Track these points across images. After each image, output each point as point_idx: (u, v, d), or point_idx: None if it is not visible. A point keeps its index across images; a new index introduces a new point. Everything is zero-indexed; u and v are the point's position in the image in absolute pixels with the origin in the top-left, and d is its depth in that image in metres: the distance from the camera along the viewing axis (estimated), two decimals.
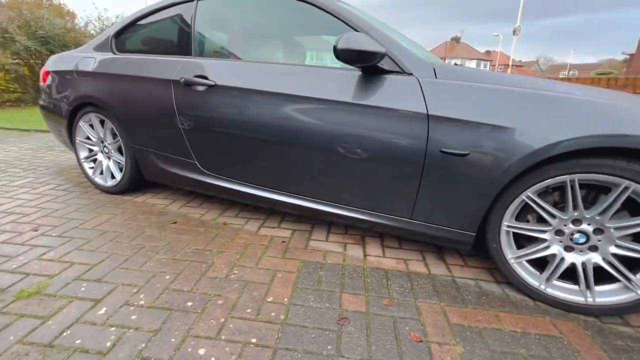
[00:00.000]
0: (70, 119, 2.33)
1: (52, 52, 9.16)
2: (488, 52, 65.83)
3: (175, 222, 1.93)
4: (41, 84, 2.54)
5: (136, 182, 2.28)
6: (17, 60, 9.03)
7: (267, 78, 1.62)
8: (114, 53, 2.15)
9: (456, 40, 58.01)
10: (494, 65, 63.01)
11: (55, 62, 2.43)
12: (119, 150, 2.27)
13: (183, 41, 1.91)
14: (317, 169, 1.58)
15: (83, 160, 2.42)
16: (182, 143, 1.91)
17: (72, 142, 2.45)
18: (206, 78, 1.73)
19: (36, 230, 1.76)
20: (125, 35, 2.17)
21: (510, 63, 33.04)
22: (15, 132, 4.85)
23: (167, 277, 1.39)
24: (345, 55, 1.31)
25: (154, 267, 1.46)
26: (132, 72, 1.99)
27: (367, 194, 1.52)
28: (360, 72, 1.44)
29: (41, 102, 2.58)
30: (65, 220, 1.91)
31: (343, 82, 1.46)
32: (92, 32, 10.84)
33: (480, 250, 1.57)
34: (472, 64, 56.94)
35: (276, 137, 1.60)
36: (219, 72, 1.72)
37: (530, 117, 1.19)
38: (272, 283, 1.38)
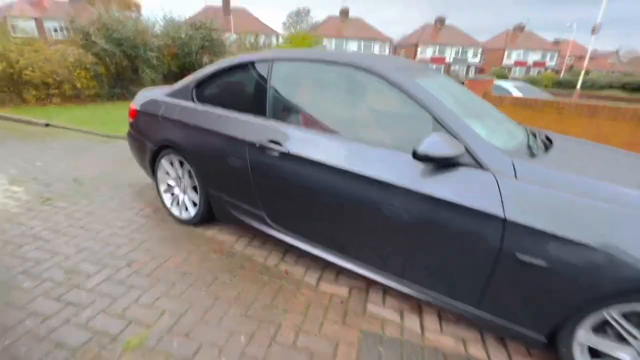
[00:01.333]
0: (153, 156, 2.61)
1: (124, 52, 10.05)
2: (557, 42, 59.22)
3: (242, 267, 2.12)
4: (130, 119, 2.86)
5: (207, 217, 2.52)
6: (96, 60, 10.05)
7: (336, 152, 1.70)
8: (194, 102, 2.36)
9: (519, 28, 52.92)
10: (564, 57, 56.75)
11: (143, 103, 2.72)
12: (194, 189, 2.51)
13: (259, 100, 2.05)
14: (382, 244, 1.65)
15: (162, 192, 2.71)
16: (252, 196, 2.07)
17: (153, 174, 2.75)
18: (279, 144, 1.84)
19: (130, 267, 2.05)
20: (205, 86, 2.36)
21: (588, 56, 28.85)
22: (97, 138, 5.49)
23: (242, 339, 1.56)
24: (424, 159, 1.34)
25: (230, 322, 1.65)
26: (210, 125, 2.17)
27: (433, 275, 1.56)
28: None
29: (129, 133, 2.91)
30: (152, 256, 2.18)
31: (414, 169, 1.48)
32: (158, 31, 11.67)
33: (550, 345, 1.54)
34: (537, 56, 51.84)
35: (341, 209, 1.69)
36: (291, 140, 1.83)
37: (623, 240, 1.13)
38: (336, 357, 1.49)
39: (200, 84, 2.37)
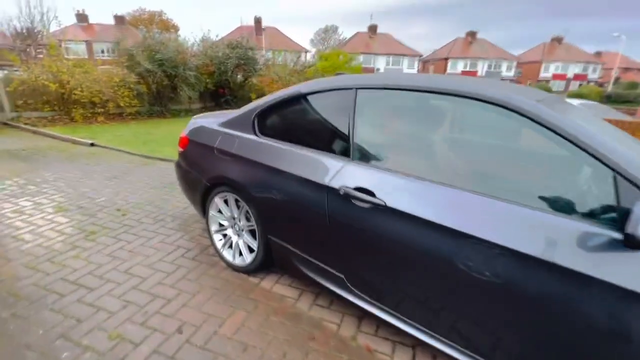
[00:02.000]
0: (205, 192, 2.33)
1: (165, 72, 10.31)
2: (598, 54, 55.98)
3: (313, 338, 1.73)
4: (179, 148, 2.62)
5: (264, 266, 2.17)
6: (139, 79, 10.39)
7: (454, 210, 1.28)
8: (256, 135, 2.05)
9: (558, 40, 50.63)
10: (606, 69, 53.47)
11: (196, 132, 2.47)
12: (252, 232, 2.18)
13: (339, 137, 1.69)
14: (506, 330, 1.19)
15: (213, 232, 2.41)
16: (330, 253, 1.68)
17: (203, 211, 2.46)
18: (372, 194, 1.46)
19: (181, 333, 1.72)
20: (270, 117, 2.05)
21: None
22: (138, 159, 5.43)
23: None
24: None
25: None
26: (277, 164, 1.84)
27: None
28: (608, 237, 1.01)
29: (178, 164, 2.67)
30: (204, 317, 1.84)
31: (590, 242, 1.04)
32: (196, 51, 11.97)
33: None
34: (577, 68, 49.15)
35: (458, 286, 1.26)
36: (388, 189, 1.44)
37: None
38: None
39: (264, 115, 2.07)
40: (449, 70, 45.92)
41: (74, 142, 6.46)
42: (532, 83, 48.74)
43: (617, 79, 52.78)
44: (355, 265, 1.61)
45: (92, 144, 6.20)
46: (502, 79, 46.96)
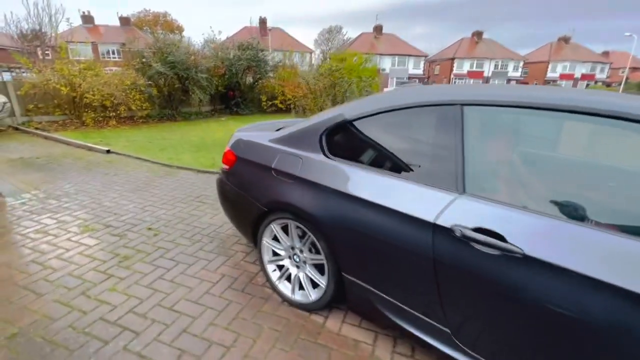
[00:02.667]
0: (259, 217, 2.06)
1: (177, 74, 10.06)
2: (606, 53, 55.35)
3: None
4: (224, 165, 2.35)
5: (330, 304, 1.90)
6: (149, 82, 10.16)
7: (622, 265, 1.01)
8: (325, 156, 1.78)
9: (565, 40, 50.08)
10: (614, 68, 52.91)
11: (245, 148, 2.20)
12: (317, 266, 1.91)
13: (442, 164, 1.41)
14: None
15: (266, 262, 2.14)
16: (432, 302, 1.41)
17: (253, 236, 2.19)
18: (500, 237, 1.19)
19: None
20: (345, 135, 1.78)
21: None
22: (159, 168, 5.18)
23: None
24: None
25: None
26: (360, 192, 1.56)
27: None
28: None
29: (221, 182, 2.40)
30: None
31: None
32: (207, 53, 11.73)
33: None
34: (585, 68, 48.60)
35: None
36: (524, 233, 1.16)
37: None
38: None
39: (335, 132, 1.79)
40: (455, 70, 45.53)
41: (90, 148, 6.22)
42: (538, 83, 48.24)
43: (626, 79, 52.24)
44: (469, 320, 1.34)
45: (108, 151, 5.96)
46: (509, 79, 46.54)
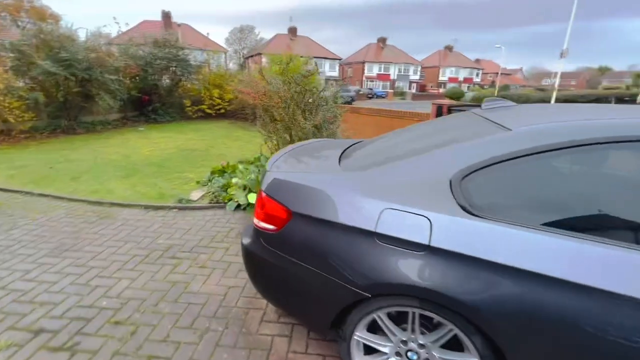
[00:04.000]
0: (353, 304, 1.39)
1: (75, 76, 7.91)
2: (478, 61, 67.09)
3: None
4: (263, 224, 1.58)
5: None
6: (32, 85, 7.75)
7: None
8: (467, 212, 1.22)
9: (449, 48, 58.71)
10: (486, 74, 64.36)
11: (308, 199, 1.47)
12: None
13: None
14: None
15: None
16: None
17: (333, 327, 1.50)
18: None
19: None
20: (503, 179, 1.25)
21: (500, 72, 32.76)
22: (82, 207, 3.73)
23: None
24: None
25: None
26: (564, 273, 1.07)
27: None
28: None
29: (260, 251, 1.62)
30: None
31: None
32: (116, 52, 9.54)
33: None
34: (465, 73, 57.81)
35: None
36: None
37: None
38: None
39: (475, 173, 1.25)
40: (366, 73, 48.84)
41: None
42: (433, 85, 55.53)
43: (492, 82, 64.15)
44: None
45: None
46: (410, 82, 52.18)
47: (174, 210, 3.66)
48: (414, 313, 1.32)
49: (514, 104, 1.78)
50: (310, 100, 4.71)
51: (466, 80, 58.20)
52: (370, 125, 8.46)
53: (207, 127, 10.52)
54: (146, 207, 3.69)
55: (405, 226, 1.27)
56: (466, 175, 1.25)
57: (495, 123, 1.41)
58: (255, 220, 1.65)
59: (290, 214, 1.49)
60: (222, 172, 4.63)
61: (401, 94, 42.18)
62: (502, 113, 1.60)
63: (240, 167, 4.49)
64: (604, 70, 78.18)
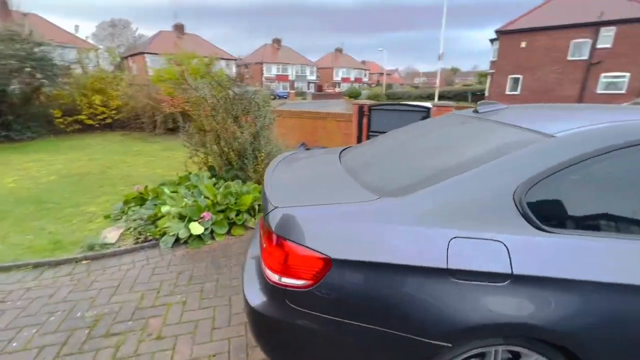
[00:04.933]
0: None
1: None
2: (364, 62, 74.26)
3: None
4: (273, 274, 1.19)
5: None
6: None
7: None
8: (539, 228, 1.11)
9: (339, 50, 63.11)
10: (372, 74, 71.63)
11: (343, 241, 1.14)
12: None
13: None
14: None
15: None
16: None
17: None
18: None
19: None
20: (558, 188, 1.15)
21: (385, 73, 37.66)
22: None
23: None
24: None
25: None
26: None
27: None
28: None
29: (285, 316, 1.22)
30: None
31: None
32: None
33: None
34: (355, 73, 63.15)
35: None
36: None
37: None
38: None
39: (536, 186, 1.15)
40: (265, 73, 48.31)
41: None
42: (329, 85, 58.88)
43: (377, 82, 72.07)
44: None
45: None
46: (308, 82, 54.07)
47: (85, 262, 2.71)
48: (495, 351, 1.17)
49: (504, 105, 1.82)
50: (242, 106, 4.20)
51: (357, 80, 63.71)
52: (294, 128, 8.24)
53: (95, 143, 8.53)
54: (38, 265, 2.63)
55: (481, 256, 1.10)
56: (529, 189, 1.15)
57: (525, 128, 1.36)
58: (270, 274, 1.24)
59: (328, 262, 1.14)
60: (140, 199, 3.71)
61: (302, 95, 43.30)
62: (511, 115, 1.59)
63: (167, 190, 3.68)
64: (455, 71, 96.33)
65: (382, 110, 6.56)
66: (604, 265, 1.08)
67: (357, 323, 1.16)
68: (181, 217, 3.19)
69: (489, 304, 1.08)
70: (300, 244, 1.17)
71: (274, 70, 49.50)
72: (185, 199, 3.41)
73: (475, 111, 1.79)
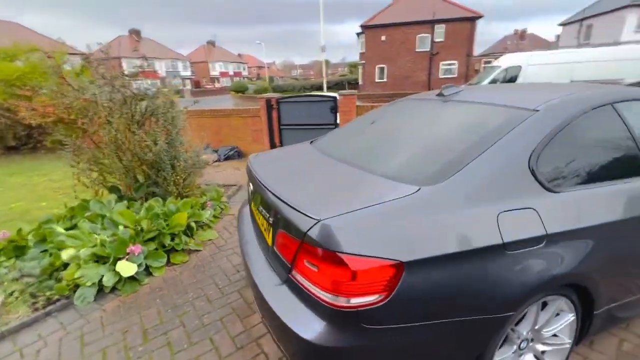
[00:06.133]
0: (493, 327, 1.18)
1: None
2: (240, 55, 71.94)
3: None
4: (335, 298, 1.02)
5: None
6: None
7: None
8: (552, 191, 1.26)
9: (212, 43, 59.19)
10: (251, 67, 70.19)
11: (408, 240, 1.05)
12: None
13: None
14: None
15: None
16: None
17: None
18: None
19: None
20: (557, 153, 1.31)
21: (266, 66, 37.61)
22: None
23: None
24: None
25: None
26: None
27: None
28: None
29: (340, 339, 1.05)
30: None
31: None
32: None
33: None
34: (234, 67, 60.65)
35: None
36: None
37: None
38: None
39: (542, 154, 1.28)
40: (125, 69, 41.12)
41: None
42: (206, 79, 54.86)
43: (258, 75, 71.35)
44: None
45: None
46: (183, 78, 49.05)
47: None
48: (537, 306, 1.30)
49: (463, 86, 2.01)
50: (146, 108, 3.45)
51: (236, 74, 61.39)
52: (197, 129, 7.31)
53: None
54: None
55: (523, 224, 1.19)
56: (537, 159, 1.29)
57: (511, 106, 1.51)
58: (332, 299, 1.05)
59: (400, 267, 1.04)
60: (15, 249, 2.64)
61: (177, 92, 38.97)
62: (477, 96, 1.76)
63: (59, 229, 2.73)
64: (326, 63, 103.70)
65: (291, 102, 6.51)
66: (602, 209, 1.33)
67: (435, 321, 1.10)
68: (98, 259, 2.43)
69: (537, 265, 1.18)
70: (366, 256, 1.02)
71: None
72: (96, 235, 2.61)
73: (441, 94, 1.91)
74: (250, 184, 1.82)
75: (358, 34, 29.32)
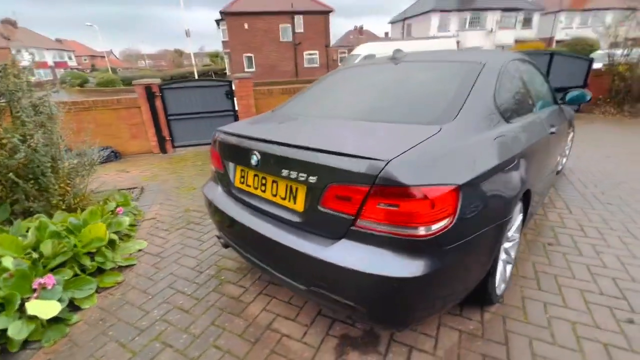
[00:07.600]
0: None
1: None
2: (60, 41, 56.54)
3: None
4: (420, 228, 1.09)
5: None
6: None
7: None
8: (508, 122, 1.65)
9: (12, 23, 44.16)
10: (79, 56, 56.71)
11: (453, 166, 1.21)
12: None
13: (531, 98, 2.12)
14: None
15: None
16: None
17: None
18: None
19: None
20: (499, 95, 1.69)
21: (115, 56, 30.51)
22: None
23: None
24: None
25: None
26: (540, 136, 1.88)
27: None
28: None
29: (427, 267, 1.12)
30: None
31: None
32: None
33: None
34: (53, 54, 47.49)
35: None
36: None
37: None
38: None
39: (495, 96, 1.63)
40: None
41: None
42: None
43: (92, 66, 58.33)
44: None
45: None
46: None
47: None
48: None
49: (405, 53, 2.27)
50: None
51: (60, 64, 48.30)
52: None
53: None
54: None
55: (510, 145, 1.54)
56: (494, 97, 1.65)
57: (465, 61, 1.83)
58: (416, 231, 1.10)
59: (458, 190, 1.17)
60: None
61: None
62: (427, 57, 2.07)
63: None
64: (180, 52, 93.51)
65: (178, 88, 5.73)
66: (530, 133, 1.81)
67: (484, 229, 1.30)
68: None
69: (516, 177, 1.54)
70: (437, 184, 1.11)
71: None
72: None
73: (394, 58, 2.13)
74: (235, 157, 1.62)
75: (217, 21, 27.69)
